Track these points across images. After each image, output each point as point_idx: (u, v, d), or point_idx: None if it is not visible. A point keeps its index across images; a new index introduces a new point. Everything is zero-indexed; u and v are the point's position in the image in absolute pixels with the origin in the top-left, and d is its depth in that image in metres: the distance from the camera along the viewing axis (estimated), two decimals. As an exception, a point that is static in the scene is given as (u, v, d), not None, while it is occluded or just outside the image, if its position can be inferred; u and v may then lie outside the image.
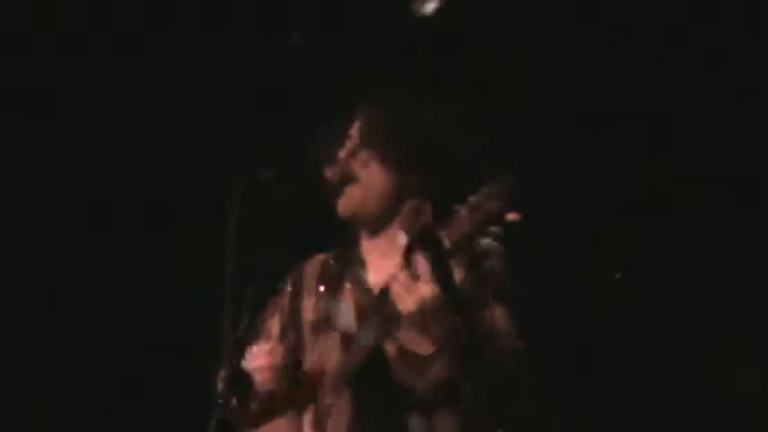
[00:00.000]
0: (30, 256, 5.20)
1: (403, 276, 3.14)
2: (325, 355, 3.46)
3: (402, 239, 3.17)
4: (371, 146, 3.44)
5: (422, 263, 3.13)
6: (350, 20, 4.79)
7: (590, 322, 4.53)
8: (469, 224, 3.03)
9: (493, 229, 3.04)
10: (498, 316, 3.31)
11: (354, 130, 3.50)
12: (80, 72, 5.04)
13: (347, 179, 3.45)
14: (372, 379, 3.31)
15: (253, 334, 3.48)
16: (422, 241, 3.12)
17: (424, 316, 3.14)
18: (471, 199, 3.03)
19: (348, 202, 3.46)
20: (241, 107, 4.75)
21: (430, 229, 3.13)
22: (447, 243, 3.07)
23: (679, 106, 4.51)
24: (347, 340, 3.41)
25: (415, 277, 3.13)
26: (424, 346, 3.22)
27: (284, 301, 3.62)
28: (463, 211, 3.05)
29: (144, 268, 5.20)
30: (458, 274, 3.24)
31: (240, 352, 3.33)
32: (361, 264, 3.50)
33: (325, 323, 3.50)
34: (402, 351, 3.26)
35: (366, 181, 3.45)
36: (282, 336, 3.57)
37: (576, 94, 4.60)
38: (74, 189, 5.19)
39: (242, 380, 3.35)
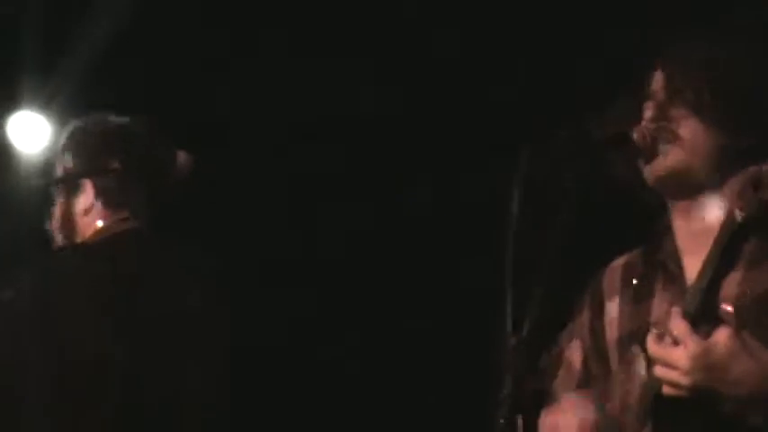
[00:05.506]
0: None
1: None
2: (628, 386, 2.83)
3: (737, 217, 2.61)
4: (685, 102, 2.85)
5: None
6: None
7: None
8: None
9: None
10: None
11: (657, 87, 2.91)
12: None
13: (661, 139, 2.86)
14: (673, 413, 2.68)
15: (549, 364, 3.01)
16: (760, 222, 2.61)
17: None
18: None
19: (666, 163, 2.84)
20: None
21: None
22: None
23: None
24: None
25: None
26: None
27: (583, 321, 3.05)
28: None
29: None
30: None
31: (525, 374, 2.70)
32: (676, 257, 2.88)
33: (629, 343, 2.87)
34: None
35: (688, 139, 2.84)
36: (584, 371, 3.03)
37: None
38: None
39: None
